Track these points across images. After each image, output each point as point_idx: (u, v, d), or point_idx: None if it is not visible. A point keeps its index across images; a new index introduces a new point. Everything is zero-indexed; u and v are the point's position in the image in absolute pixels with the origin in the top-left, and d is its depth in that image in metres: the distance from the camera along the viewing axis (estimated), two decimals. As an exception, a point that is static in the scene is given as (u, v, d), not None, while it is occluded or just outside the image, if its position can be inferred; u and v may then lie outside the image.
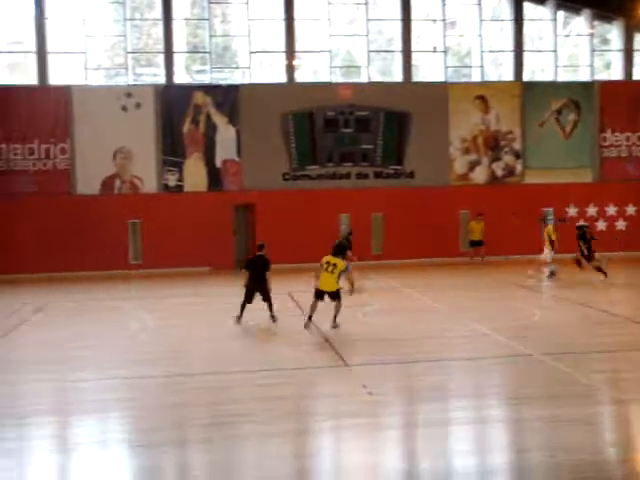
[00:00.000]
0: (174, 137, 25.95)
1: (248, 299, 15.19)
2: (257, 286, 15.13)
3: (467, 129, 27.35)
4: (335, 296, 14.38)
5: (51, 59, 25.74)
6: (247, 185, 26.24)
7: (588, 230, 21.63)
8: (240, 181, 26.34)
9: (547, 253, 21.79)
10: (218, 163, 26.23)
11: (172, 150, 25.95)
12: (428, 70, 28.17)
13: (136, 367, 11.98)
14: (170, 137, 25.93)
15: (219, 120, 26.18)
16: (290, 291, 19.35)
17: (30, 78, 25.89)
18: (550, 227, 22.43)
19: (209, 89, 26.19)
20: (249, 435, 8.64)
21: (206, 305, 18.72)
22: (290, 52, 26.87)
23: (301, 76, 27.40)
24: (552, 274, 21.37)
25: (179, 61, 26.87)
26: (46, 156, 25.34)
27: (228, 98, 26.17)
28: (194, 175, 26.10)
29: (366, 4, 27.29)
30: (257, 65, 27.16)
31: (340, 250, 14.82)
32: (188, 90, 26.14)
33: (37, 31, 25.46)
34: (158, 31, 26.57)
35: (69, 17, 25.80)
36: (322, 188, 26.47)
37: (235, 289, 20.42)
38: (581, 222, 25.05)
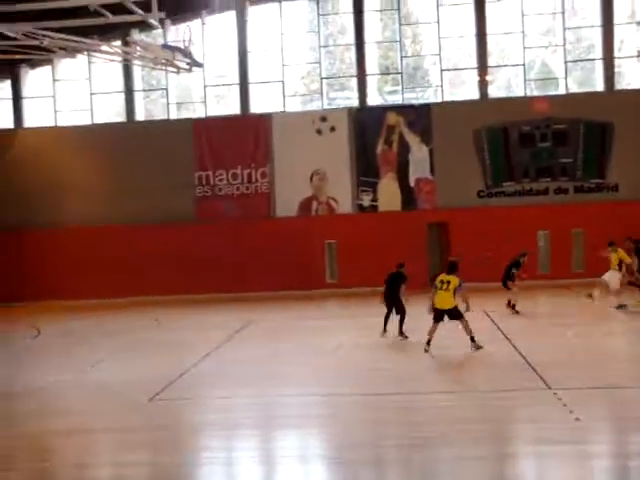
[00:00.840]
0: (368, 158, 26.39)
1: (389, 311, 16.25)
2: (391, 301, 16.12)
3: (678, 137, 25.34)
4: (454, 314, 14.17)
5: (252, 89, 27.23)
6: (441, 203, 26.05)
7: None
8: (434, 200, 26.21)
9: None
10: (412, 182, 26.31)
11: (366, 171, 26.40)
12: (633, 77, 26.48)
13: (334, 384, 12.21)
14: (364, 158, 26.41)
15: (412, 139, 26.28)
16: (486, 310, 18.89)
17: (233, 108, 27.54)
18: None
19: (401, 109, 26.40)
20: (445, 458, 8.48)
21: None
22: (482, 68, 26.44)
23: (494, 91, 26.85)
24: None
25: (371, 83, 27.35)
26: (248, 180, 26.77)
27: (420, 117, 26.21)
28: (388, 195, 26.35)
29: (563, 12, 26.24)
30: (448, 83, 26.99)
31: (453, 268, 14.58)
32: (381, 111, 26.52)
33: (239, 64, 27.06)
34: (351, 55, 27.24)
35: (268, 49, 27.17)
36: (518, 204, 25.67)
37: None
38: None
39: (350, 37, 27.11)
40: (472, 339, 14.10)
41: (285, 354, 15.15)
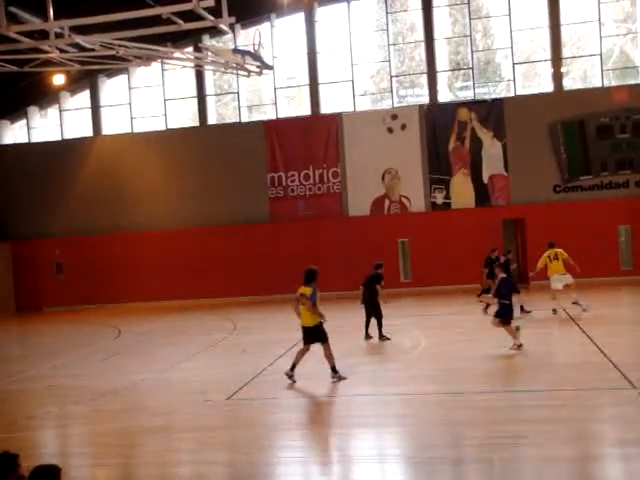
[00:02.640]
0: (440, 155, 26.12)
1: (368, 317, 16.09)
2: (370, 306, 15.91)
3: None
4: (315, 335, 12.21)
5: (322, 89, 27.31)
6: (515, 199, 25.55)
7: None
8: (508, 196, 25.74)
9: None
10: (485, 179, 25.90)
11: (438, 168, 26.14)
12: None
13: (412, 383, 12.11)
14: (436, 155, 26.15)
15: (484, 135, 25.88)
16: (565, 308, 18.42)
17: (303, 109, 27.69)
18: None
19: (473, 105, 26.02)
20: (528, 458, 8.27)
21: (475, 322, 18.45)
22: (556, 59, 25.80)
23: (569, 83, 26.17)
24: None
25: (442, 80, 27.06)
26: (320, 181, 26.86)
27: (493, 112, 25.78)
28: (461, 192, 26.03)
29: (640, -1, 25.40)
30: (521, 76, 26.45)
31: (310, 277, 12.46)
32: (452, 107, 26.21)
33: (309, 65, 27.19)
34: (420, 52, 27.02)
35: (337, 49, 27.20)
36: (597, 199, 24.96)
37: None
38: None
39: (419, 34, 26.89)
40: (333, 369, 12.29)
41: (360, 353, 15.13)
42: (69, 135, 28.74)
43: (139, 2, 17.05)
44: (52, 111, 29.18)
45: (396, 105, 26.90)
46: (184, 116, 28.69)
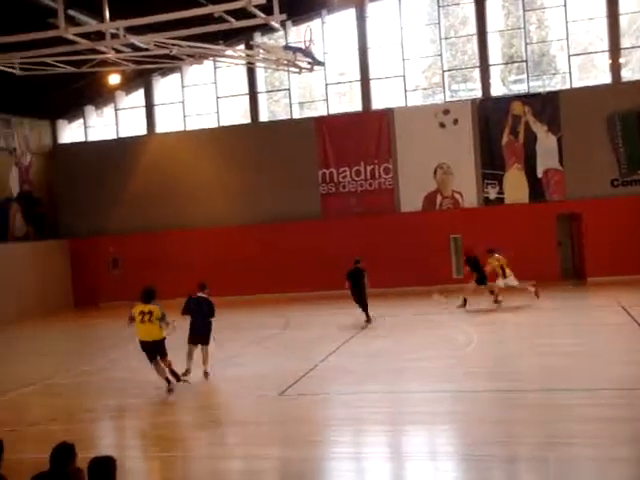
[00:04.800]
0: (493, 150, 25.78)
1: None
2: (359, 298, 18.17)
3: None
4: (160, 348, 12.36)
5: (373, 85, 27.22)
6: (571, 194, 25.06)
7: None
8: (563, 190, 25.26)
9: None
10: (539, 173, 25.46)
11: (491, 163, 25.80)
12: None
13: (464, 380, 12.01)
14: (489, 150, 25.82)
15: (539, 129, 25.43)
16: (622, 303, 18.01)
17: (355, 105, 27.63)
18: None
19: (527, 98, 25.59)
20: (585, 458, 8.12)
21: (530, 319, 18.20)
22: (614, 50, 25.18)
23: (628, 74, 25.53)
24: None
25: (495, 73, 26.68)
26: (372, 177, 26.79)
27: (547, 105, 25.31)
28: (515, 187, 25.63)
29: (702, -14, 24.61)
30: (577, 68, 25.91)
31: (150, 296, 12.54)
32: (505, 101, 25.82)
33: (360, 61, 27.12)
34: (473, 46, 26.67)
35: (388, 44, 27.06)
36: (657, 192, 24.31)
37: (560, 302, 19.59)
38: None
39: (472, 27, 26.55)
40: (170, 379, 12.46)
41: (413, 350, 15.06)
42: (124, 134, 29.25)
43: (192, 1, 17.22)
44: (108, 110, 29.71)
45: (448, 100, 26.62)
46: (236, 113, 28.89)
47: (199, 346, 13.30)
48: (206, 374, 13.15)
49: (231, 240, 27.11)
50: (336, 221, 26.57)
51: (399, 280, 25.48)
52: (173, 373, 12.54)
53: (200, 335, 13.18)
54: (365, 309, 18.41)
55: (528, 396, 10.78)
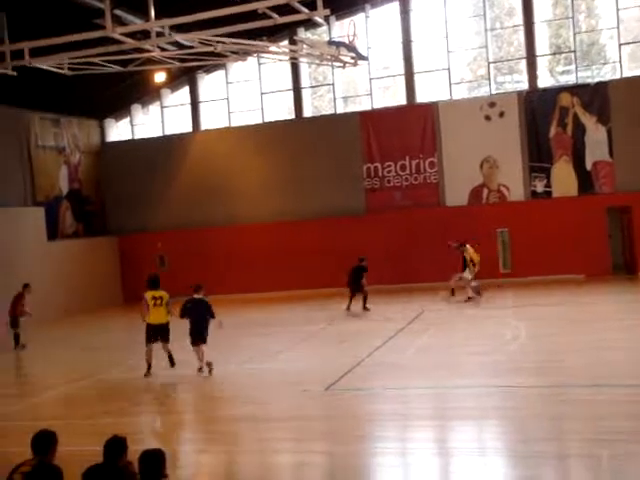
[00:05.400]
0: (540, 142, 25.38)
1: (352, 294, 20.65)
2: (355, 288, 20.51)
3: None
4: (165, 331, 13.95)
5: (417, 79, 27.02)
6: (621, 186, 24.54)
7: None
8: (613, 183, 24.75)
9: None
10: (588, 166, 24.99)
11: (538, 156, 25.41)
12: None
13: (512, 376, 11.87)
14: (536, 143, 25.43)
15: (587, 120, 24.95)
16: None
17: (399, 99, 27.48)
18: None
19: (575, 89, 25.13)
20: (635, 455, 7.96)
21: (579, 313, 17.90)
22: (666, 38, 24.57)
23: (680, 62, 24.88)
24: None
25: (542, 64, 26.25)
26: (417, 171, 26.62)
27: (596, 96, 24.82)
28: (563, 180, 25.21)
29: None
30: (628, 57, 25.34)
31: (156, 284, 14.29)
32: (553, 93, 25.40)
33: (404, 54, 26.95)
34: (519, 37, 26.29)
35: (432, 37, 26.83)
36: None
37: (610, 297, 19.25)
38: None
39: (518, 18, 26.16)
40: (171, 359, 14.02)
41: (460, 344, 14.94)
42: (170, 131, 29.57)
43: (235, -2, 17.34)
44: (154, 108, 30.08)
45: (494, 92, 26.29)
46: (280, 109, 28.98)
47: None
48: (200, 370, 13.50)
49: (275, 235, 27.22)
50: (381, 216, 26.47)
51: (445, 275, 25.24)
52: (170, 358, 13.95)
53: (200, 335, 13.62)
54: (363, 299, 20.68)
55: (575, 391, 10.62)
